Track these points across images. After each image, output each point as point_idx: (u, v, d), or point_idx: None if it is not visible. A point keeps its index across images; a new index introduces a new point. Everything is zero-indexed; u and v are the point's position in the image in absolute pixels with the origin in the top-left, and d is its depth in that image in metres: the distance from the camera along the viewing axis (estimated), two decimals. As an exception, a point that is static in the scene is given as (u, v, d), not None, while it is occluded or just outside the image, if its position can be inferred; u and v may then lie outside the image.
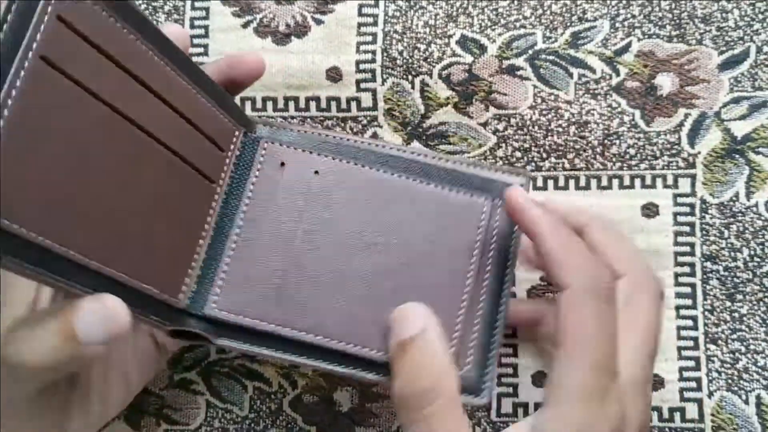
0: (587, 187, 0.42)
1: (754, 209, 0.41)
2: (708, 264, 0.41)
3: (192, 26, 0.43)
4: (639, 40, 0.42)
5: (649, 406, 0.33)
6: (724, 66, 0.42)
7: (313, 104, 0.43)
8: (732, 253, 0.41)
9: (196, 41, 0.43)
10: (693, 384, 0.40)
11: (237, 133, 0.36)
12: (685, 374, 0.40)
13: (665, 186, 0.41)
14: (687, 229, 0.41)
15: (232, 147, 0.36)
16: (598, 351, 0.30)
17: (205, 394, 0.42)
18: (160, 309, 0.32)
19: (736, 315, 0.41)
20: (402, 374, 0.30)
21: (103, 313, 0.26)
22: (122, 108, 0.29)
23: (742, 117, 0.41)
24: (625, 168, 0.41)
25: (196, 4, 0.43)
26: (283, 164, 0.35)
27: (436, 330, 0.31)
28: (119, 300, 0.27)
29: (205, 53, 0.43)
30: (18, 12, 0.25)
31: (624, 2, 0.42)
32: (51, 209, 0.26)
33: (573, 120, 0.42)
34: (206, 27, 0.43)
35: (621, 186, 0.41)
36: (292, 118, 0.43)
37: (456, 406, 0.30)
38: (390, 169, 0.36)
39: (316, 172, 0.35)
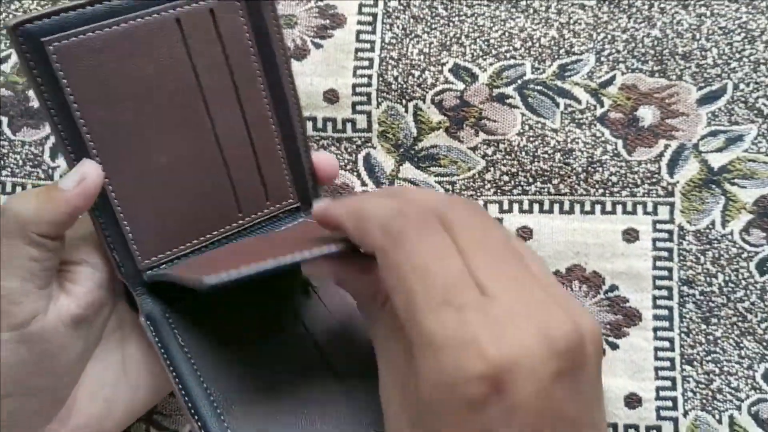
0: (571, 211, 0.43)
1: (729, 237, 0.43)
2: (685, 288, 0.43)
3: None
4: (623, 74, 0.44)
5: (565, 301, 0.26)
6: (703, 101, 0.44)
7: (310, 124, 0.44)
8: (708, 279, 0.43)
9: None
10: (669, 403, 0.42)
11: (291, 200, 0.38)
12: (662, 393, 0.42)
13: (645, 213, 0.43)
14: (665, 254, 0.43)
15: (278, 206, 0.38)
16: (423, 292, 0.25)
17: (194, 403, 0.43)
18: (126, 257, 0.35)
19: (711, 338, 0.42)
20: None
21: (79, 170, 0.32)
22: (208, 97, 0.34)
23: (719, 149, 0.43)
24: (607, 194, 0.43)
25: (200, 25, 0.45)
26: None
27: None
28: (94, 164, 0.33)
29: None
30: None
31: (609, 38, 0.44)
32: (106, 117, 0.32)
33: (559, 147, 0.44)
34: (209, 47, 0.45)
35: (603, 211, 0.43)
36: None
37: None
38: None
39: None
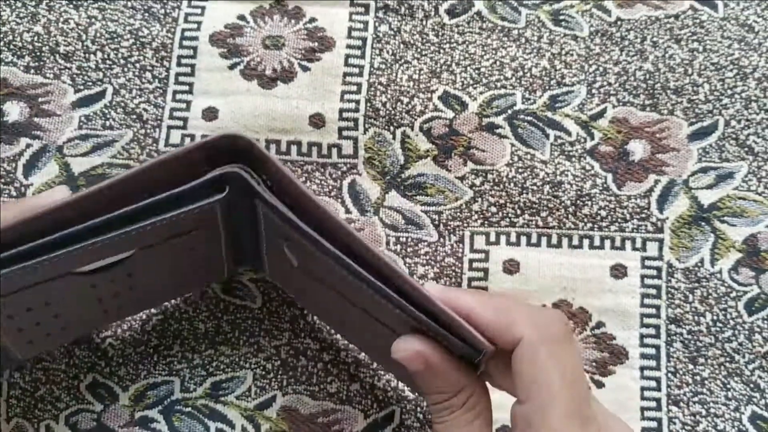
0: (559, 245, 0.43)
1: (718, 276, 0.42)
2: (672, 327, 0.42)
3: (179, 64, 0.44)
4: (614, 106, 0.44)
5: None
6: (694, 136, 0.43)
7: (294, 148, 0.43)
8: (696, 318, 0.42)
9: (181, 79, 0.44)
10: (655, 445, 0.41)
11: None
12: (647, 435, 0.41)
13: (634, 248, 0.42)
14: (653, 291, 0.42)
15: None
16: (565, 398, 0.29)
17: (166, 433, 0.42)
18: None
19: (698, 378, 0.41)
20: (425, 390, 0.33)
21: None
22: None
23: (709, 186, 0.43)
24: (595, 229, 0.43)
25: (185, 43, 0.44)
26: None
27: (435, 355, 0.31)
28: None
29: (190, 92, 0.44)
30: None
31: (601, 70, 0.44)
32: None
33: (548, 179, 0.43)
34: (193, 66, 0.44)
35: (591, 246, 0.43)
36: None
37: (468, 415, 0.32)
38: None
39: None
